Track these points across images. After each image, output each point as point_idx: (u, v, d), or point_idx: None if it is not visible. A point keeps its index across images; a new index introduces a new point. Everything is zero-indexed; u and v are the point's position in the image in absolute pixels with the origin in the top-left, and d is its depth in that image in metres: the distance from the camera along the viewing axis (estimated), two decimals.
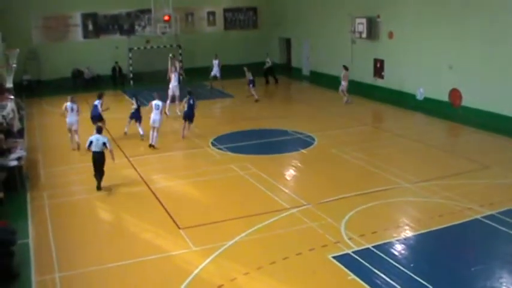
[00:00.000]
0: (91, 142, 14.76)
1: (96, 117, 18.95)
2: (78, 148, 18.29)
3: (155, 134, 18.55)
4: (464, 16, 21.49)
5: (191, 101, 19.69)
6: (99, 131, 15.04)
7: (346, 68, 25.49)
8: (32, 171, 16.47)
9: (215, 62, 29.72)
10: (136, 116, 19.95)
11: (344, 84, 25.29)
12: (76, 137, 18.41)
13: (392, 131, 20.50)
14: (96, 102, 19.36)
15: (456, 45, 21.98)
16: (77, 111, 18.52)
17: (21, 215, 13.15)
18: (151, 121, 18.60)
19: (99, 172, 14.76)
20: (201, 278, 9.90)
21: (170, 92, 24.47)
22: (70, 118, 18.31)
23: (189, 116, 19.65)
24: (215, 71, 29.65)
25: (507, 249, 10.87)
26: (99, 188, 14.73)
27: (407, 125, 21.34)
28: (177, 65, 26.49)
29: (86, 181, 15.43)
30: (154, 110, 18.63)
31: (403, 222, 12.15)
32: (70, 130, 18.58)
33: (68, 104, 18.42)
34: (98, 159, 14.68)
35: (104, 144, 14.69)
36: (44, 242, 11.67)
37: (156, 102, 18.76)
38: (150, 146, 18.47)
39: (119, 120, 23.31)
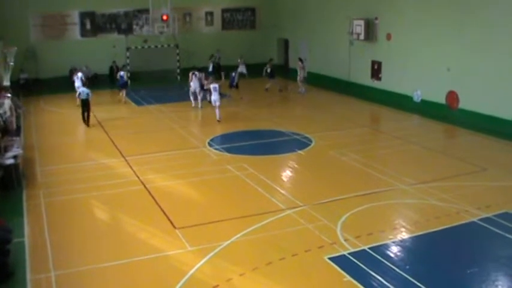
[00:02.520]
0: (79, 93, 22.36)
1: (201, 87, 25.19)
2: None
3: (217, 111, 22.45)
4: (462, 18, 21.52)
5: (233, 74, 27.06)
6: (84, 85, 23.50)
7: (301, 60, 28.51)
8: (29, 170, 16.43)
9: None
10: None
11: (301, 74, 28.05)
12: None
13: (390, 132, 20.52)
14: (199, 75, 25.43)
15: (454, 48, 22.01)
16: (82, 79, 25.72)
17: (17, 213, 13.10)
18: (212, 101, 22.60)
19: (87, 112, 21.90)
20: (197, 278, 9.88)
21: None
22: (79, 83, 25.00)
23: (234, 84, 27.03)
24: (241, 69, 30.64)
25: (503, 252, 10.87)
26: (88, 125, 21.87)
27: (404, 127, 21.36)
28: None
29: (83, 180, 15.43)
30: (213, 92, 22.46)
31: (400, 224, 12.16)
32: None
33: (80, 74, 26.19)
34: (85, 103, 21.89)
35: (87, 94, 21.88)
36: (39, 240, 11.63)
37: (213, 85, 22.56)
38: (218, 121, 22.37)
39: (116, 120, 23.36)
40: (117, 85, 27.58)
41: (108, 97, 29.39)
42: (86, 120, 21.90)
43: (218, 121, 22.25)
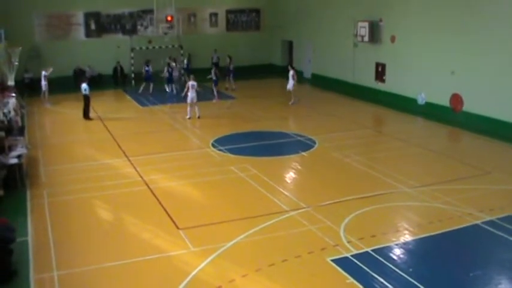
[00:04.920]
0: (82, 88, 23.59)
1: (171, 80, 29.05)
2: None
3: (196, 108, 22.86)
4: (467, 21, 21.49)
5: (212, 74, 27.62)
6: (84, 82, 23.68)
7: (293, 68, 26.82)
8: (32, 169, 16.47)
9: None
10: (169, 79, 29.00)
11: (292, 82, 25.83)
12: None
13: (393, 135, 20.50)
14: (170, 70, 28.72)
15: (458, 51, 21.98)
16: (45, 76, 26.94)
17: (21, 212, 13.14)
18: (189, 99, 22.75)
19: (88, 106, 23.20)
20: (199, 279, 9.89)
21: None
22: (44, 81, 26.69)
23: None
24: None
25: (506, 255, 10.85)
26: (85, 118, 23.16)
27: (408, 130, 21.35)
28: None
29: (86, 180, 15.47)
30: (191, 89, 22.59)
31: (403, 227, 12.14)
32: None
33: (43, 72, 26.70)
34: (87, 98, 23.19)
35: (85, 89, 23.03)
36: (43, 240, 11.66)
37: (192, 83, 22.75)
38: (198, 117, 22.81)
39: (120, 120, 23.41)
40: (166, 80, 29.71)
41: (111, 98, 29.49)
42: (88, 114, 23.28)
43: (198, 117, 22.76)
